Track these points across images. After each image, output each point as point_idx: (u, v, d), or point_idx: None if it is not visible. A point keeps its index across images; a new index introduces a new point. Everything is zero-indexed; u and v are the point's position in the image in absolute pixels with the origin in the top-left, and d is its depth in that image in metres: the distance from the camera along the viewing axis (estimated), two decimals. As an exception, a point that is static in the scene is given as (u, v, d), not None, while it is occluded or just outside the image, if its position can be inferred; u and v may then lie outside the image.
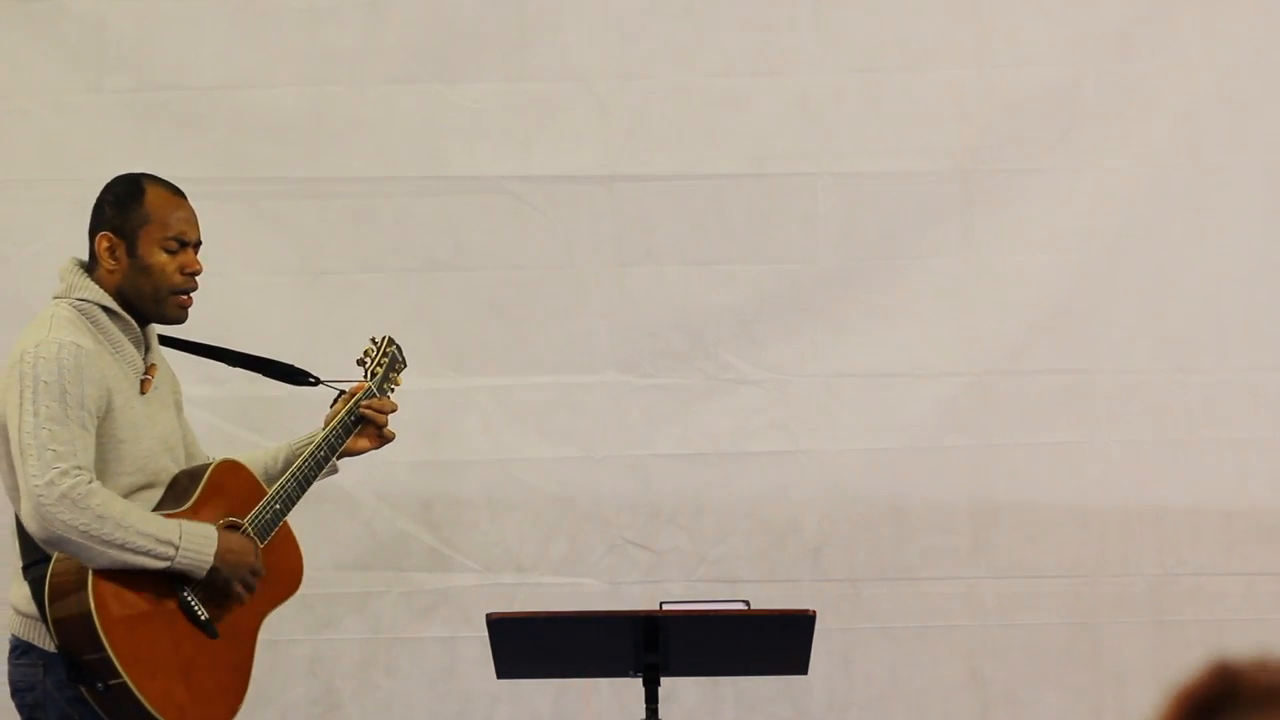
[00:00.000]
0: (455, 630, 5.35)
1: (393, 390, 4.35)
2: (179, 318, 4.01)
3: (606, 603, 5.32)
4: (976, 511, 5.37)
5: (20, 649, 3.89)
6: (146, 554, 3.77)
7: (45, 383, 3.76)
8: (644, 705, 4.21)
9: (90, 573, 3.76)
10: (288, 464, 4.13)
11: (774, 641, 4.27)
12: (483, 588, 5.36)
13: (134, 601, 3.80)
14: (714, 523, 5.40)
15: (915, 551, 5.37)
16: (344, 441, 4.19)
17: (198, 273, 4.01)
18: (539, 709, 5.35)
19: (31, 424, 3.74)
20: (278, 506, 4.03)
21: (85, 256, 4.00)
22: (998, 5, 5.44)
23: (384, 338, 4.41)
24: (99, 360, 3.85)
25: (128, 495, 3.86)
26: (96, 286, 3.94)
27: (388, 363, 4.37)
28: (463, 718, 5.36)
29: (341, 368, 4.41)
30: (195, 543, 3.82)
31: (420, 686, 5.36)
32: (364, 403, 4.23)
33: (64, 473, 3.72)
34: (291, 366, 4.38)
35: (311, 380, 4.35)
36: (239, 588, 3.90)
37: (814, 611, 4.14)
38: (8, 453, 3.84)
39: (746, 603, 4.46)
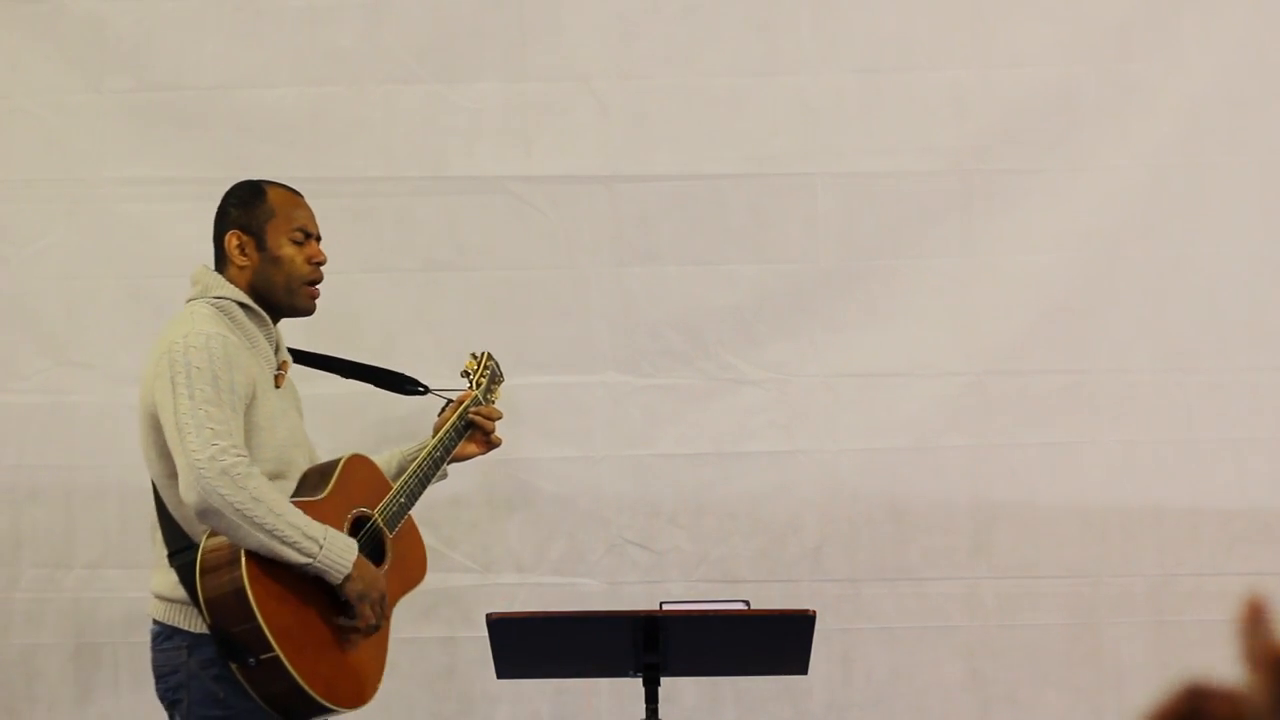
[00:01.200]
0: (455, 630, 5.34)
1: (494, 402, 4.58)
2: (309, 308, 4.17)
3: (606, 603, 5.32)
4: (976, 511, 5.37)
5: (165, 634, 3.97)
6: (292, 545, 3.83)
7: (198, 368, 3.85)
8: (644, 705, 4.21)
9: (243, 551, 3.83)
10: (400, 470, 4.32)
11: (774, 641, 4.26)
12: (483, 588, 5.36)
13: (283, 578, 3.88)
14: (714, 523, 5.39)
15: (915, 551, 5.37)
16: (456, 445, 4.43)
17: (323, 263, 4.17)
18: (539, 709, 5.34)
19: (188, 405, 3.82)
20: (403, 500, 4.21)
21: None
22: (998, 5, 5.44)
23: (484, 353, 4.67)
24: (241, 351, 3.96)
25: None
26: (230, 284, 4.07)
27: (489, 375, 4.61)
28: (463, 718, 5.36)
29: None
30: (338, 549, 3.90)
31: (420, 686, 5.36)
32: (472, 410, 4.47)
33: (224, 450, 3.79)
34: (403, 376, 4.59)
35: (421, 390, 4.57)
36: (366, 609, 3.96)
37: (814, 611, 4.13)
38: (156, 441, 3.92)
39: (746, 603, 4.45)
